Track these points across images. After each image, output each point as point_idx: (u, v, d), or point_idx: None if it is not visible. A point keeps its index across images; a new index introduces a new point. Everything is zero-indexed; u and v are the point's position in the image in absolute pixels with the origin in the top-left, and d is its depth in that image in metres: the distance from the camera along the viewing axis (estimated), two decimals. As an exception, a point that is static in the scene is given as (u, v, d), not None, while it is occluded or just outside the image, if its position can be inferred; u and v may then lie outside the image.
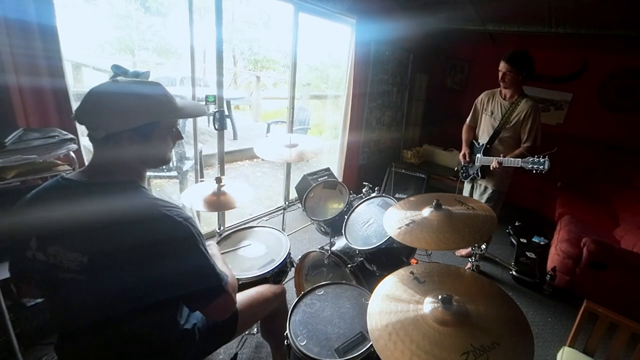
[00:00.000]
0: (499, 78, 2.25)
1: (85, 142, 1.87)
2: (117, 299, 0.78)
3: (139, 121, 0.81)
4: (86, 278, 0.76)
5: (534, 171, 2.07)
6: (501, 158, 2.19)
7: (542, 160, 2.04)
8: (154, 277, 0.77)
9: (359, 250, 1.67)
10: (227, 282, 0.91)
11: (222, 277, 0.89)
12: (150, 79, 1.58)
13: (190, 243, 0.82)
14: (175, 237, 0.79)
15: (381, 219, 1.50)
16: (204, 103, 2.40)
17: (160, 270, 0.77)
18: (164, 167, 2.43)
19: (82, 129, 1.80)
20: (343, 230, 1.82)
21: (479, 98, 2.50)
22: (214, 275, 0.87)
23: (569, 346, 1.51)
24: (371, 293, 1.08)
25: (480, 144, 2.43)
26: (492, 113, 2.37)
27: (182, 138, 0.97)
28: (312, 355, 1.14)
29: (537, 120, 2.20)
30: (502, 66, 2.21)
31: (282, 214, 2.51)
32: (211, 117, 2.43)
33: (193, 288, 0.83)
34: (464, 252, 2.93)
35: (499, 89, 2.37)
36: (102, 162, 0.84)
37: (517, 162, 2.13)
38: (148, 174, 1.10)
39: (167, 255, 0.78)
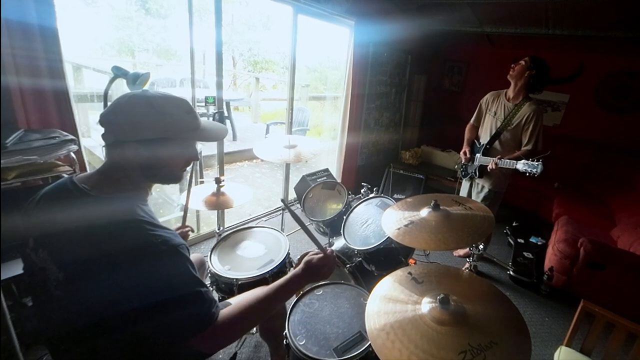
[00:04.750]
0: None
1: (86, 143, 1.88)
2: (91, 318, 0.73)
3: (147, 134, 0.80)
4: (60, 294, 0.75)
5: (527, 174, 2.10)
6: (497, 159, 2.21)
7: (535, 163, 2.06)
8: (129, 304, 0.72)
9: (357, 250, 1.68)
10: (214, 315, 0.81)
11: (203, 310, 0.79)
12: (150, 80, 1.60)
13: (167, 271, 0.75)
14: (153, 263, 0.74)
15: (379, 220, 1.51)
16: (203, 104, 2.41)
17: (135, 297, 0.72)
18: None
19: (82, 130, 1.81)
20: (342, 231, 1.83)
21: (484, 98, 2.51)
22: (195, 304, 0.78)
23: (566, 346, 1.52)
24: (369, 293, 1.09)
25: (481, 143, 2.45)
26: (495, 114, 2.38)
27: (197, 159, 0.94)
28: (310, 355, 1.14)
29: (539, 124, 2.21)
30: (523, 58, 2.24)
31: (281, 215, 2.52)
32: (210, 118, 2.44)
33: (170, 318, 0.75)
34: (461, 252, 2.95)
35: (504, 90, 2.39)
36: (108, 170, 0.84)
37: (512, 164, 2.15)
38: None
39: (142, 281, 0.73)
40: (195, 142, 0.94)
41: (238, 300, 0.90)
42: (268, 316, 1.01)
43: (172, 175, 0.90)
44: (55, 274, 0.75)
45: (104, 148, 0.84)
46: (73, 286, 0.75)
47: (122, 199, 0.81)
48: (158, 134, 0.81)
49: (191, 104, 2.53)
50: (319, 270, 0.98)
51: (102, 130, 0.81)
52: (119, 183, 0.83)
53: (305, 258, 1.00)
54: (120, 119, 0.79)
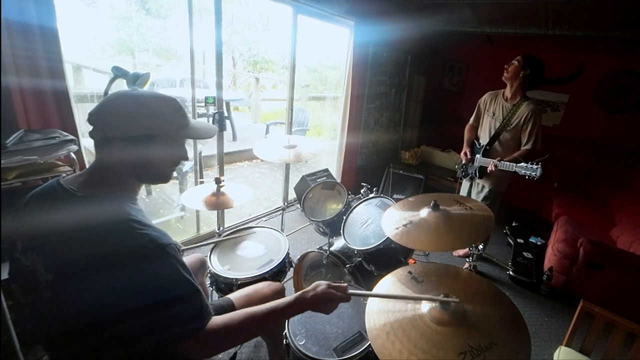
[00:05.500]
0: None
1: (86, 143, 1.88)
2: (81, 318, 0.73)
3: (135, 131, 0.80)
4: (49, 296, 0.75)
5: (527, 177, 2.10)
6: (497, 161, 2.21)
7: (534, 167, 2.07)
8: (117, 304, 0.71)
9: (357, 250, 1.68)
10: (204, 320, 0.79)
11: (192, 313, 0.78)
12: (150, 81, 1.60)
13: (154, 271, 0.74)
14: (140, 263, 0.73)
15: (379, 220, 1.51)
16: (203, 104, 2.41)
17: (123, 296, 0.71)
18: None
19: (82, 131, 1.81)
20: (341, 231, 1.83)
21: (482, 98, 2.52)
22: (183, 305, 0.77)
23: (566, 345, 1.52)
24: (369, 293, 1.09)
25: (481, 144, 2.45)
26: (493, 114, 2.39)
27: (186, 159, 0.93)
28: (310, 355, 1.15)
29: (538, 123, 2.21)
30: (516, 57, 2.25)
31: (281, 215, 2.52)
32: (210, 119, 2.44)
33: (158, 318, 0.74)
34: (461, 252, 2.95)
35: (502, 90, 2.39)
36: (97, 168, 0.83)
37: (512, 167, 2.16)
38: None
39: (130, 281, 0.72)
40: (183, 140, 0.93)
41: (237, 312, 0.87)
42: (264, 331, 0.97)
43: (160, 174, 0.90)
44: (44, 276, 0.75)
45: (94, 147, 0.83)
46: (62, 287, 0.75)
47: (111, 198, 0.81)
48: (145, 131, 0.81)
49: (191, 104, 2.54)
50: (328, 308, 0.96)
51: (90, 128, 0.81)
52: (107, 182, 0.82)
53: (324, 289, 0.94)
54: (107, 116, 0.80)
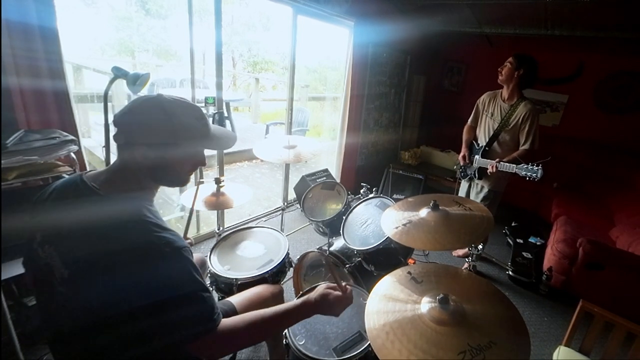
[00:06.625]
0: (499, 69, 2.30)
1: (86, 144, 1.88)
2: (93, 316, 0.74)
3: (157, 138, 0.82)
4: (64, 290, 0.76)
5: (527, 178, 2.10)
6: (497, 163, 2.21)
7: (535, 168, 2.07)
8: (132, 304, 0.72)
9: (357, 250, 1.68)
10: (215, 322, 0.81)
11: (204, 315, 0.79)
12: (150, 81, 1.60)
13: (169, 273, 0.76)
14: (157, 265, 0.74)
15: (379, 220, 1.52)
16: (203, 105, 2.42)
17: (137, 297, 0.72)
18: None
19: (82, 131, 1.81)
20: (341, 231, 1.83)
21: (481, 99, 2.52)
22: (195, 307, 0.78)
23: (565, 345, 1.52)
24: (369, 293, 1.09)
25: (480, 145, 2.45)
26: (492, 115, 2.39)
27: (204, 164, 0.95)
28: (310, 355, 1.15)
29: (535, 123, 2.22)
30: (507, 59, 2.26)
31: (280, 215, 2.53)
32: (210, 119, 2.45)
33: (170, 320, 0.75)
34: (460, 252, 2.95)
35: (500, 90, 2.40)
36: (118, 169, 0.85)
37: (512, 168, 2.16)
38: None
39: (145, 282, 0.73)
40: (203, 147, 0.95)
41: (244, 315, 0.89)
42: (270, 336, 0.96)
43: (178, 178, 0.92)
44: (60, 271, 0.75)
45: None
46: (77, 283, 0.75)
47: (130, 199, 0.82)
48: (168, 139, 0.83)
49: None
50: (333, 308, 0.96)
51: (114, 130, 0.83)
52: (127, 183, 0.84)
53: (322, 290, 0.97)
54: (132, 122, 0.81)
